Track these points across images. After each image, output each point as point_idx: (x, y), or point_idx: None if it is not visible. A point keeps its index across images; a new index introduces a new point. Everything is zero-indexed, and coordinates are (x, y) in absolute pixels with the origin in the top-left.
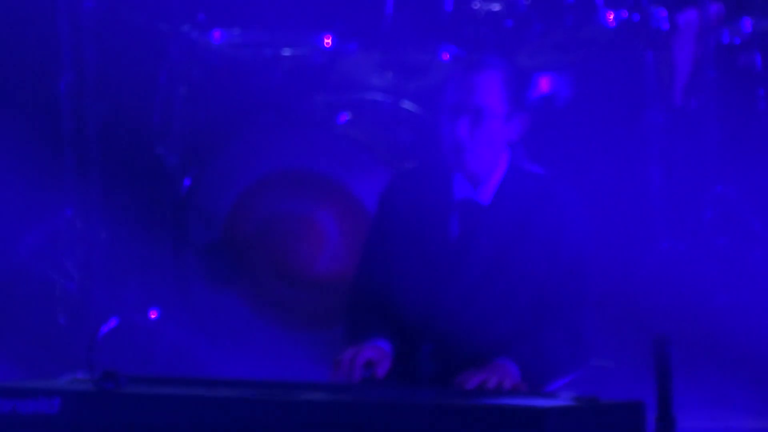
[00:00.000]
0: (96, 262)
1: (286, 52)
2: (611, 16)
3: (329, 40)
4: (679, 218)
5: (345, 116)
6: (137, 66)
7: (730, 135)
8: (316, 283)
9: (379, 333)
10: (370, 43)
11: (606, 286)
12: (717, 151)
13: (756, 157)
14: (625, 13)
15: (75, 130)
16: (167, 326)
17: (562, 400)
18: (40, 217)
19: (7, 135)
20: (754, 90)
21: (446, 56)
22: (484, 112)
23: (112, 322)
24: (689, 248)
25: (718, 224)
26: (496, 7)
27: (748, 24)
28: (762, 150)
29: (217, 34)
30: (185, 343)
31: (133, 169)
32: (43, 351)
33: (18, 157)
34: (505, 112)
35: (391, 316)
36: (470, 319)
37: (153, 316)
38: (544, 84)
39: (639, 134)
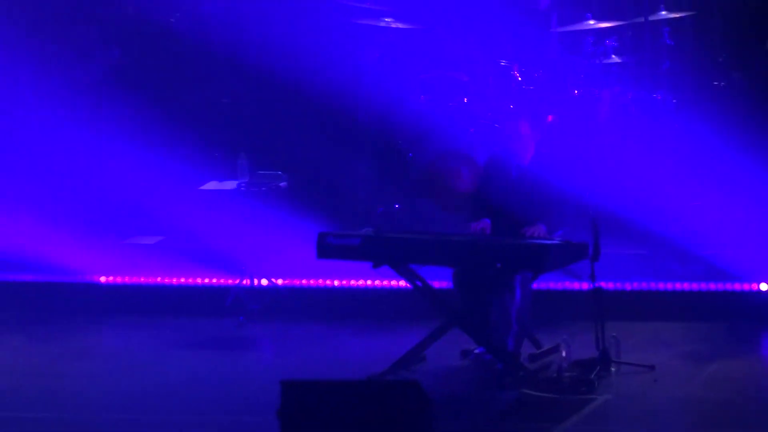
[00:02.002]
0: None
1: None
2: None
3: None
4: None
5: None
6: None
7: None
8: (460, 195)
9: (485, 216)
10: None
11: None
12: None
13: None
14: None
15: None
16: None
17: (557, 241)
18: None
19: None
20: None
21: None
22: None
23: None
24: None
25: None
26: None
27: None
28: None
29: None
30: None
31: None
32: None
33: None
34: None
35: (487, 209)
36: (521, 209)
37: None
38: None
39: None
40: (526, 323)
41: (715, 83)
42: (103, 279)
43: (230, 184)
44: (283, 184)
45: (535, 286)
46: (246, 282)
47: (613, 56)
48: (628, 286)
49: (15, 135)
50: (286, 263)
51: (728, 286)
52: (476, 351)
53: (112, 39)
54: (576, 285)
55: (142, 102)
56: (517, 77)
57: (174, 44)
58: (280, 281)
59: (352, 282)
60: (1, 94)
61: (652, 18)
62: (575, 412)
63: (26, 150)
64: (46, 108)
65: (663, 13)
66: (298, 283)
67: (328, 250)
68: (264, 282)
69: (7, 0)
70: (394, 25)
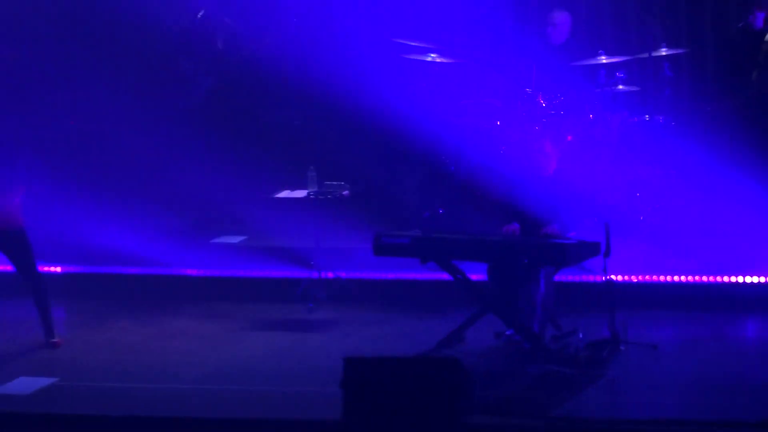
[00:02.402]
0: None
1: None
2: None
3: None
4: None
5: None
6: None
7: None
8: (494, 202)
9: (514, 220)
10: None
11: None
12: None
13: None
14: None
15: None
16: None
17: (573, 241)
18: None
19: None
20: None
21: None
22: None
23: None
24: None
25: None
26: None
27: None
28: None
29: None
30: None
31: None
32: None
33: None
34: None
35: (515, 214)
36: (542, 214)
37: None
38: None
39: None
40: (549, 309)
41: (707, 108)
42: (194, 272)
43: (301, 193)
44: (345, 192)
45: (556, 278)
46: (314, 275)
47: (622, 86)
48: (634, 279)
49: (128, 153)
50: (348, 259)
51: (718, 279)
52: (507, 333)
53: (206, 70)
54: (591, 278)
55: (229, 123)
56: (541, 103)
57: (255, 75)
58: (343, 274)
59: (403, 275)
60: (125, 113)
61: (654, 54)
62: (590, 384)
63: (137, 166)
64: (153, 128)
65: (663, 50)
66: (358, 275)
67: (382, 248)
68: (330, 274)
69: (123, 39)
70: (438, 60)
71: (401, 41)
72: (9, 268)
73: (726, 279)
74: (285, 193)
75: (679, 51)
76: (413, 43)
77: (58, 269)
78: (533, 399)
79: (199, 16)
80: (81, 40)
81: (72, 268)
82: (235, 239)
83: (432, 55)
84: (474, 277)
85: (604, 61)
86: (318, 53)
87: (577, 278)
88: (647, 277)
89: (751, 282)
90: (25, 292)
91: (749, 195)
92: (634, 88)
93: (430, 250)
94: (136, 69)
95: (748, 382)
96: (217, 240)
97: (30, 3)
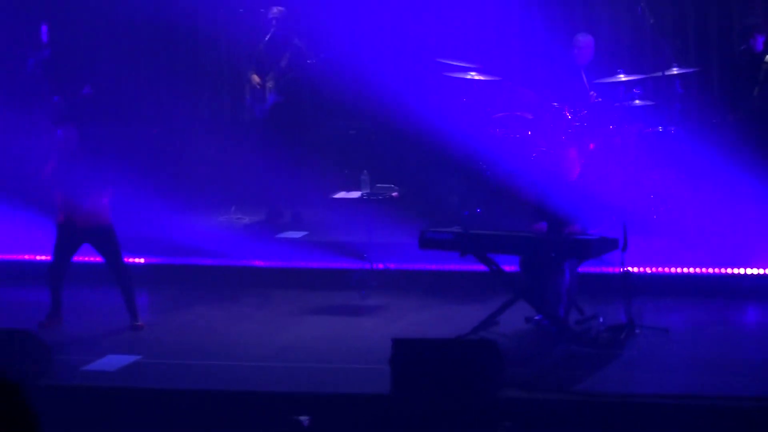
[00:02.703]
0: None
1: None
2: None
3: None
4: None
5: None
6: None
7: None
8: (525, 203)
9: (542, 219)
10: None
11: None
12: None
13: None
14: None
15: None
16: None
17: (594, 237)
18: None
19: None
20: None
21: None
22: None
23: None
24: None
25: None
26: None
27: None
28: None
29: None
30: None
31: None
32: None
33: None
34: None
35: (544, 213)
36: (567, 213)
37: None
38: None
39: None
40: (573, 297)
41: (714, 120)
42: (261, 263)
43: (355, 194)
44: (394, 194)
45: (579, 269)
46: (367, 266)
47: (638, 101)
48: (648, 270)
49: (204, 158)
50: (397, 252)
51: (723, 270)
52: (536, 318)
53: (273, 87)
54: (610, 269)
55: (293, 132)
56: (567, 116)
57: (316, 91)
58: (392, 265)
59: (444, 266)
60: (203, 123)
61: (667, 72)
62: (609, 362)
63: (212, 171)
64: (227, 137)
65: (675, 69)
66: (404, 266)
67: (427, 242)
68: (380, 266)
69: (203, 58)
70: (477, 78)
71: (444, 61)
72: (99, 259)
73: (729, 271)
74: (341, 194)
75: (689, 70)
76: (455, 63)
77: (142, 260)
78: (559, 376)
79: (266, 38)
80: (166, 59)
81: (154, 260)
82: (297, 234)
83: (472, 73)
84: (507, 268)
85: (623, 78)
86: (371, 72)
87: (597, 270)
88: (660, 268)
89: (752, 273)
90: (112, 281)
91: (750, 196)
92: (648, 103)
93: (469, 244)
94: (213, 84)
95: (748, 362)
96: (281, 235)
97: (125, 25)
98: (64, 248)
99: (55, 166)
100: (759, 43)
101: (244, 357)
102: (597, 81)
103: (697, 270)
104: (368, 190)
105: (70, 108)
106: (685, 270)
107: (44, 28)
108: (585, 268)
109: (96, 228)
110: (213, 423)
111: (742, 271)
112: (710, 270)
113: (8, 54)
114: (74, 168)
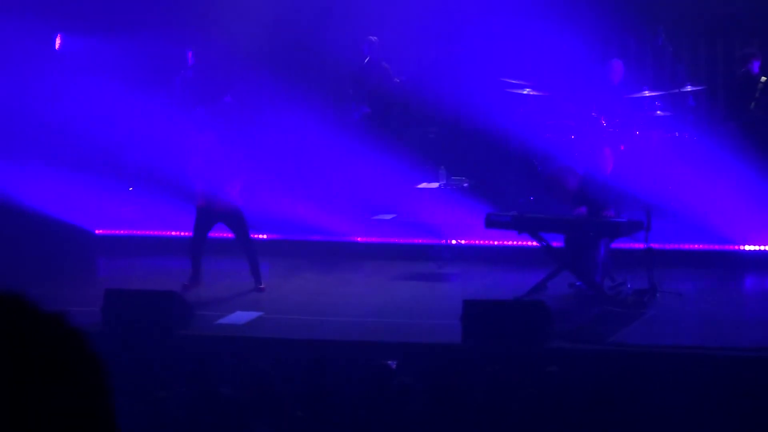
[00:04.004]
0: None
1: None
2: None
3: None
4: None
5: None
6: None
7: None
8: (569, 192)
9: (583, 204)
10: None
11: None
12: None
13: None
14: None
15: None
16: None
17: (624, 219)
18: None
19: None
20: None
21: None
22: None
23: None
24: None
25: None
26: None
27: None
28: None
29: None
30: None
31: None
32: None
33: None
34: None
35: (584, 200)
36: (603, 201)
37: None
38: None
39: None
40: (607, 267)
41: (719, 128)
42: (360, 239)
43: (435, 184)
44: (466, 184)
45: (612, 245)
46: (443, 242)
47: (659, 112)
48: (667, 246)
49: (314, 155)
50: (467, 230)
51: (728, 247)
52: (577, 284)
53: (363, 98)
54: (636, 245)
55: (384, 135)
56: (602, 123)
57: (398, 101)
58: (463, 241)
59: (504, 242)
60: (313, 127)
61: (681, 89)
62: (635, 319)
63: (320, 164)
64: (332, 138)
65: (688, 87)
66: (473, 242)
67: (491, 223)
68: (453, 241)
69: (314, 76)
70: (531, 93)
71: (506, 79)
72: (230, 236)
73: (733, 247)
74: (423, 185)
75: (699, 88)
76: (514, 81)
77: (264, 236)
78: (595, 330)
79: (366, 61)
80: (285, 76)
81: (274, 236)
82: (389, 216)
83: (527, 89)
84: (554, 244)
85: (647, 94)
86: (446, 88)
87: (627, 246)
88: (676, 245)
89: (751, 249)
90: (240, 253)
91: (749, 186)
92: (667, 113)
93: (525, 225)
94: (321, 97)
95: (747, 319)
96: (376, 216)
97: (253, 49)
98: (202, 227)
99: (197, 163)
100: (755, 66)
101: (346, 314)
102: (626, 96)
103: (707, 246)
104: (445, 182)
105: (210, 116)
106: (697, 246)
107: (190, 54)
108: (616, 245)
109: (228, 211)
110: (321, 366)
111: (743, 247)
112: (716, 246)
113: (162, 73)
114: (212, 163)
